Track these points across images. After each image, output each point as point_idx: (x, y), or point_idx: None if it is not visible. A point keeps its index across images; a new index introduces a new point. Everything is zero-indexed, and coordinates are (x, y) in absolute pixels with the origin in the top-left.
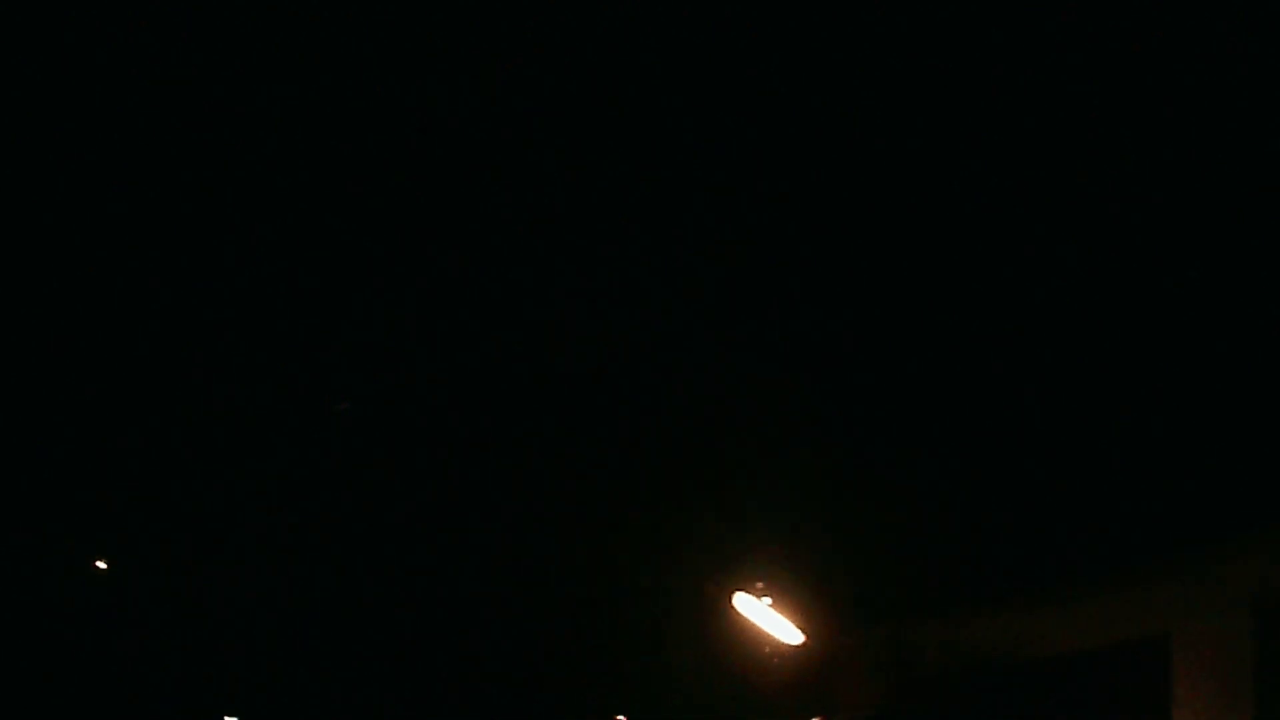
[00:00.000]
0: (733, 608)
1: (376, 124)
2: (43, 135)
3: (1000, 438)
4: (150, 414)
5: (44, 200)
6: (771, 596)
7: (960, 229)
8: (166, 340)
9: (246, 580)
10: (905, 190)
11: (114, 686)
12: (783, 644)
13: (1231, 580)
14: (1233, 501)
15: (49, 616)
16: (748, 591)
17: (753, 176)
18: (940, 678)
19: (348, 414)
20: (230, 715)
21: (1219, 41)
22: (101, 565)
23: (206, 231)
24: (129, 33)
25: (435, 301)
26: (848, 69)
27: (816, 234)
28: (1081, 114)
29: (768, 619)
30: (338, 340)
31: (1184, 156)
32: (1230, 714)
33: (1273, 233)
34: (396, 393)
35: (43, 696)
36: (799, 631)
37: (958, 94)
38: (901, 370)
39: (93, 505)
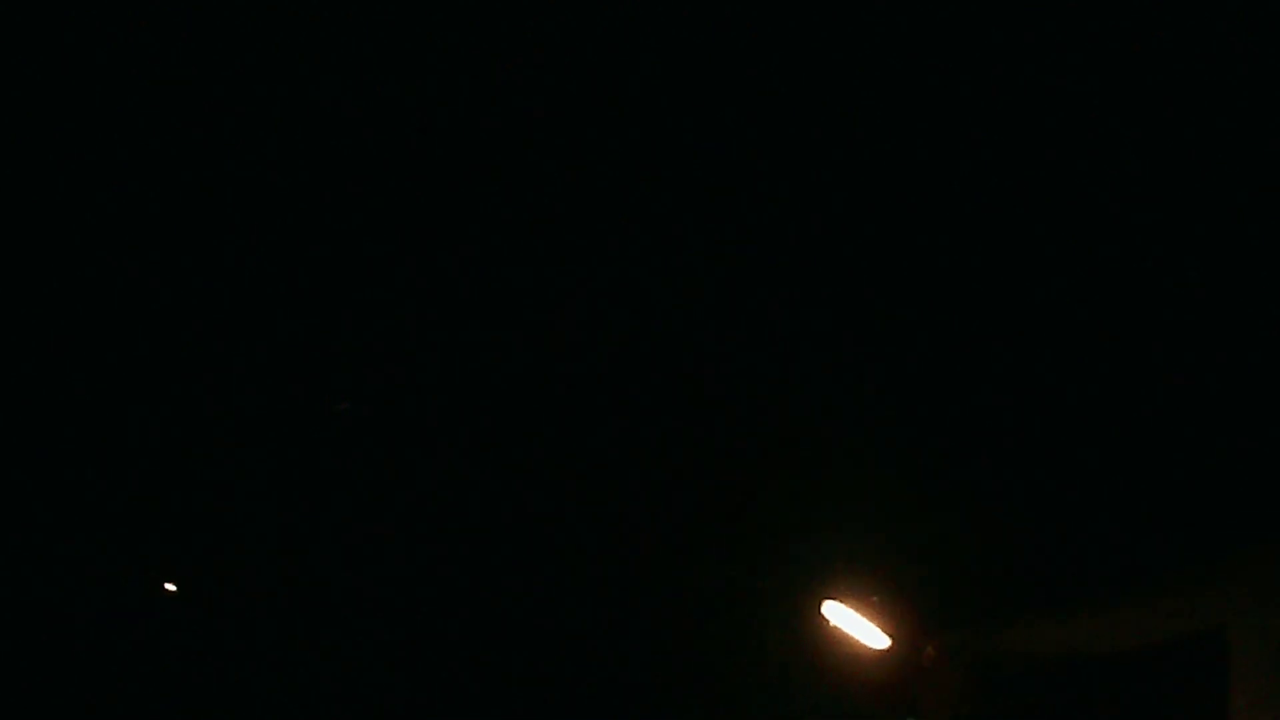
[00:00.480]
0: (821, 614)
1: (376, 124)
2: (43, 135)
3: (1070, 447)
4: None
5: (50, 205)
6: (858, 603)
7: (1035, 253)
8: (221, 361)
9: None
10: (990, 209)
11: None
12: (870, 649)
13: None
14: None
15: (118, 638)
16: (835, 598)
17: (849, 197)
18: (1015, 679)
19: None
20: None
21: (1219, 41)
22: (170, 587)
23: (233, 235)
24: (129, 33)
25: (524, 305)
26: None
27: (908, 260)
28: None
29: (855, 625)
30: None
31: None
32: None
33: None
34: (503, 397)
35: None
36: (885, 637)
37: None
38: (977, 385)
39: (160, 527)
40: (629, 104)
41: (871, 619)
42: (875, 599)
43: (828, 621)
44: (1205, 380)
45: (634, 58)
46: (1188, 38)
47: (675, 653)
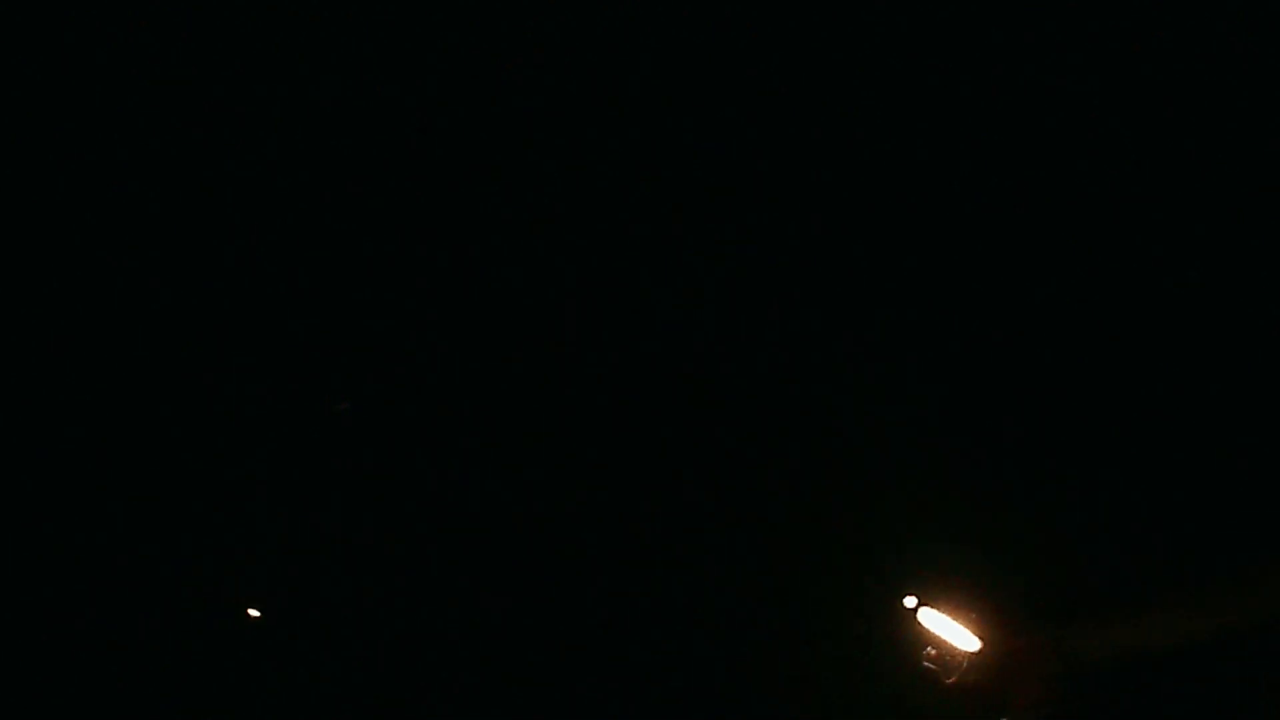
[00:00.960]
0: (911, 618)
1: (376, 124)
2: (43, 135)
3: (1154, 442)
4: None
5: (50, 205)
6: (948, 606)
7: (1113, 250)
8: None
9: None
10: (1079, 215)
11: None
12: (961, 651)
13: None
14: None
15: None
16: (926, 602)
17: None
18: (1104, 676)
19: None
20: None
21: (1219, 41)
22: (254, 613)
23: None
24: (129, 33)
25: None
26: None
27: (988, 269)
28: None
29: (945, 628)
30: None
31: None
32: None
33: None
34: (610, 408)
35: None
36: (975, 639)
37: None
38: (1062, 381)
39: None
40: (646, 105)
41: (962, 622)
42: (965, 601)
43: (919, 625)
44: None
45: (634, 58)
46: (1188, 38)
47: (769, 659)
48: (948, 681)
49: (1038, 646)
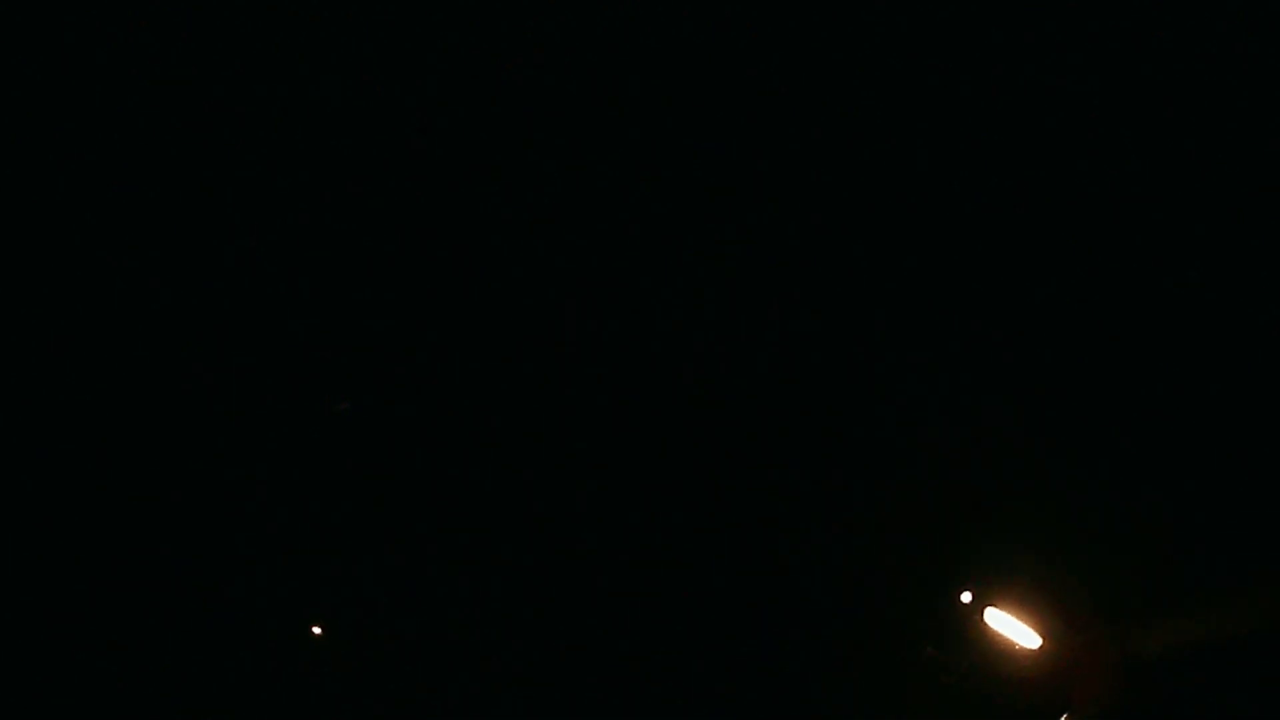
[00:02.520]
0: (972, 616)
1: (376, 124)
2: (42, 135)
3: (1217, 435)
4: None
5: (50, 205)
6: (1009, 603)
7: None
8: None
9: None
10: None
11: None
12: (1022, 649)
13: None
14: None
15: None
16: (987, 600)
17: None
18: (1167, 672)
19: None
20: None
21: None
22: (317, 631)
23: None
24: (128, 32)
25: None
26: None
27: (1049, 263)
28: None
29: (1007, 625)
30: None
31: None
32: None
33: None
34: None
35: None
36: (1037, 636)
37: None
38: (1129, 374)
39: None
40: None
41: (1023, 619)
42: (1026, 598)
43: (980, 623)
44: None
45: (634, 58)
46: (1187, 38)
47: (829, 655)
48: (1009, 680)
49: (1100, 643)
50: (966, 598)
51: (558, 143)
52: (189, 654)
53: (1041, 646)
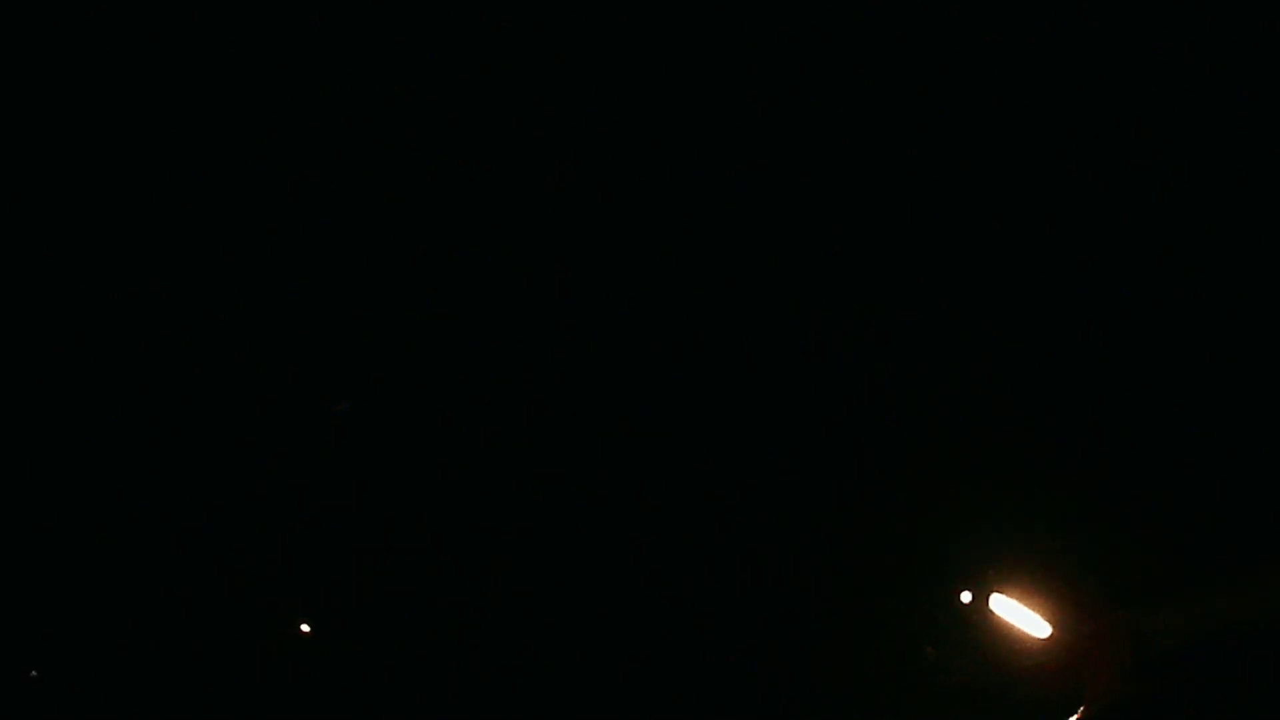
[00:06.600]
0: (982, 605)
1: (376, 123)
2: (43, 135)
3: (1227, 423)
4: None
5: (50, 205)
6: (1018, 591)
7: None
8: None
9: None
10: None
11: None
12: (1033, 639)
13: None
14: None
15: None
16: (996, 588)
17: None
18: (1178, 657)
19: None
20: None
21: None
22: (305, 629)
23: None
24: (128, 32)
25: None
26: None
27: (1054, 256)
28: None
29: (1016, 614)
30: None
31: None
32: None
33: None
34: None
35: None
36: (1047, 624)
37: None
38: (1139, 362)
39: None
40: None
41: (1032, 607)
42: (1035, 586)
43: (985, 619)
44: None
45: (634, 58)
46: (1187, 38)
47: (839, 647)
48: (1019, 668)
49: (1110, 631)
50: (966, 598)
51: (558, 143)
52: (178, 651)
53: (1051, 635)
